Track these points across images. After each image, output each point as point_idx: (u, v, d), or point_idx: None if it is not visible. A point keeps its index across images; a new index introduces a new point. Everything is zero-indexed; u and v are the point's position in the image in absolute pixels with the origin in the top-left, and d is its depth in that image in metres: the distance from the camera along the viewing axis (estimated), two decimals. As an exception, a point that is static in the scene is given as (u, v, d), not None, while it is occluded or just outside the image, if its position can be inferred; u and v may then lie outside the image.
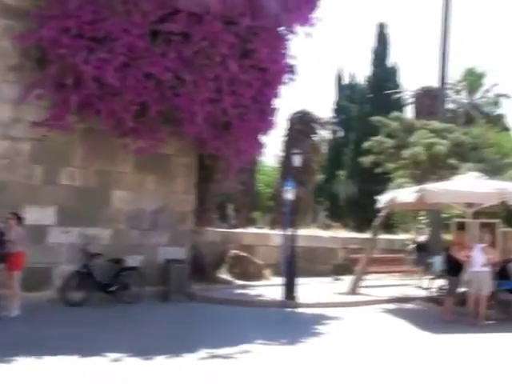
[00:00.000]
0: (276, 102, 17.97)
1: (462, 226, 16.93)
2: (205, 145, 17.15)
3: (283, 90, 18.26)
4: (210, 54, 15.84)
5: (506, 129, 46.95)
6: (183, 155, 18.12)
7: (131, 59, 14.97)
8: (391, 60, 46.79)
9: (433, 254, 19.35)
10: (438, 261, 17.20)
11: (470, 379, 9.15)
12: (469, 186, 15.42)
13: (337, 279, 21.65)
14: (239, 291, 18.80)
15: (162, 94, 15.36)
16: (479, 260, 14.31)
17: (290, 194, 17.38)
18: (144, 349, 10.23)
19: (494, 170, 21.40)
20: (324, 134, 39.35)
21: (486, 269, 14.22)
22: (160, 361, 9.62)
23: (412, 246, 21.83)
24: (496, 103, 51.25)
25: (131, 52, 14.98)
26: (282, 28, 17.79)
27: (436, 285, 16.96)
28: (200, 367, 9.36)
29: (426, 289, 17.41)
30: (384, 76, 45.06)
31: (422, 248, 21.54)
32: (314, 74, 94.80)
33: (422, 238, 22.63)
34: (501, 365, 10.13)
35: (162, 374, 8.88)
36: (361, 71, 71.31)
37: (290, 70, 18.16)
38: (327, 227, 30.66)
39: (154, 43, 15.35)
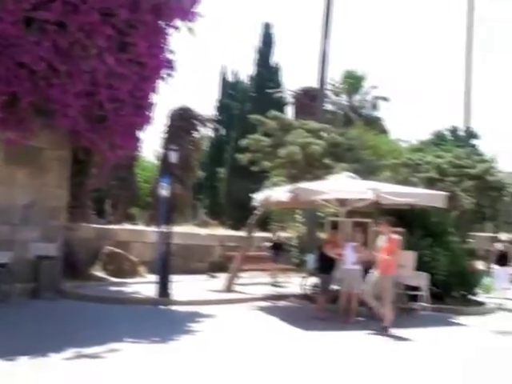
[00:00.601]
0: (154, 97, 17.78)
1: (335, 225, 17.22)
2: (79, 138, 16.70)
3: (163, 85, 18.10)
4: (86, 45, 15.41)
5: (384, 131, 48.42)
6: (56, 148, 17.48)
7: (2, 47, 14.33)
8: (275, 60, 47.35)
9: (306, 252, 19.69)
10: (311, 259, 17.48)
11: (334, 375, 9.32)
12: (342, 185, 15.73)
13: (212, 277, 21.66)
14: (113, 288, 18.46)
15: (35, 84, 14.81)
16: (351, 258, 14.65)
17: (165, 190, 17.21)
18: (7, 349, 9.79)
19: (368, 171, 21.91)
20: (205, 131, 39.39)
21: (357, 267, 14.55)
22: (23, 361, 9.23)
23: (268, 245, 22.07)
24: (374, 106, 52.72)
25: (2, 39, 14.32)
26: (161, 22, 17.56)
27: (310, 282, 17.21)
28: (65, 367, 9.06)
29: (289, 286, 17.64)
30: (268, 75, 45.47)
31: (277, 246, 21.87)
32: (199, 72, 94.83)
33: (278, 237, 22.88)
34: (366, 361, 10.40)
35: (23, 376, 8.53)
36: (245, 70, 71.86)
37: (169, 64, 17.96)
38: (204, 225, 30.68)
39: (27, 31, 14.76)
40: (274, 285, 20.19)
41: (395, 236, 13.12)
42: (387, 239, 13.05)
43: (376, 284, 12.85)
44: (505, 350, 11.95)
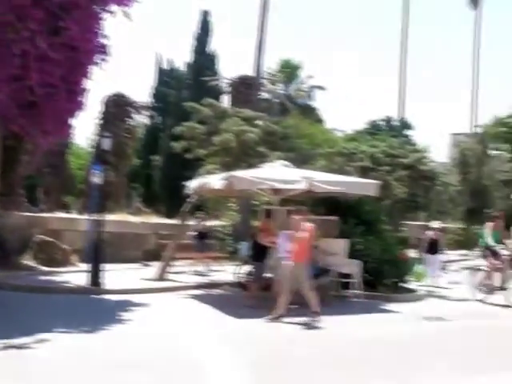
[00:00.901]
0: (87, 83, 17.49)
1: (269, 213, 17.22)
2: (9, 124, 16.30)
3: (97, 71, 17.80)
4: (17, 28, 15.03)
5: (320, 120, 48.88)
6: (-15, 134, 17.12)
7: None
8: (212, 48, 47.19)
9: (240, 240, 19.68)
10: (244, 247, 17.48)
11: (255, 362, 9.39)
12: (276, 173, 15.71)
13: (145, 265, 21.48)
14: (44, 278, 18.09)
15: (-38, 67, 14.45)
16: (284, 246, 14.64)
17: (97, 177, 16.92)
18: None
19: (303, 160, 22.05)
20: (140, 119, 39.08)
21: (290, 255, 14.56)
22: None
23: (193, 233, 21.97)
24: (310, 95, 53.08)
25: None
26: (96, 6, 17.22)
27: (243, 270, 17.20)
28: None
29: (234, 274, 17.61)
30: (205, 63, 45.29)
31: (202, 235, 21.81)
32: (135, 58, 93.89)
33: (204, 226, 22.80)
34: (281, 348, 10.53)
35: None
36: (182, 57, 71.49)
37: (103, 50, 17.65)
38: (138, 213, 30.37)
39: (-47, 13, 14.38)
40: (200, 274, 20.11)
41: (308, 224, 13.12)
42: (301, 228, 13.02)
43: (292, 273, 12.85)
44: (419, 335, 12.13)
